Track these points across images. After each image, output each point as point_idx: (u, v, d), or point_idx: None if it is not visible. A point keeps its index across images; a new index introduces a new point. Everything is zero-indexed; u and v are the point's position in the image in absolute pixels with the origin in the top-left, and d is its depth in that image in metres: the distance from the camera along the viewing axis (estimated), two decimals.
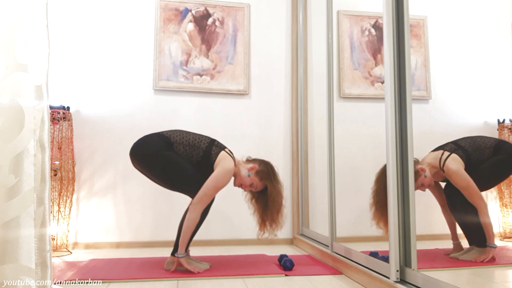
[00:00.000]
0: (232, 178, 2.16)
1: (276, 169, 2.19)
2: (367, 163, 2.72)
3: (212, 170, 2.08)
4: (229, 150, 2.16)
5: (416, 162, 2.06)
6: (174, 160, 2.07)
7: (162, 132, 2.16)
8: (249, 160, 2.21)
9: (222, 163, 2.08)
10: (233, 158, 2.15)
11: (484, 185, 1.96)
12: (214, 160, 2.10)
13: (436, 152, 2.05)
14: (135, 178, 2.87)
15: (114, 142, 2.88)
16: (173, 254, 2.06)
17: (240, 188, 2.20)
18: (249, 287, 1.76)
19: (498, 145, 1.98)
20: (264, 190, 2.16)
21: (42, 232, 1.13)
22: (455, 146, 2.01)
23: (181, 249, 2.00)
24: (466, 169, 1.95)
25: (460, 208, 2.01)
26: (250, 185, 2.14)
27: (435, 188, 2.13)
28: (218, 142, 2.18)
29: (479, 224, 1.94)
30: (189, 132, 2.18)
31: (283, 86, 3.17)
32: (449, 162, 1.97)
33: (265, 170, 2.14)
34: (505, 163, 1.94)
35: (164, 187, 2.18)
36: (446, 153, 1.99)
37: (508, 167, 1.96)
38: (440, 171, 2.02)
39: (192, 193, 2.07)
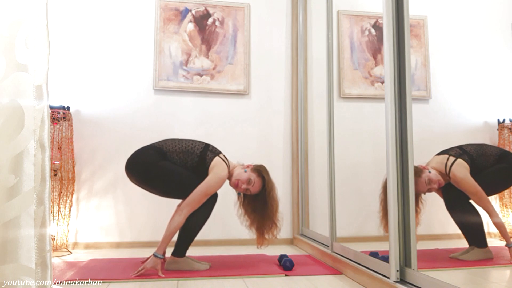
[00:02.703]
0: (227, 181, 2.16)
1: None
2: (367, 163, 2.72)
3: (207, 174, 2.08)
4: (223, 156, 2.15)
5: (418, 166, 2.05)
6: (171, 168, 2.06)
7: (154, 143, 2.15)
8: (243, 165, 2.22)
9: (216, 169, 2.06)
10: (227, 163, 2.13)
11: (486, 191, 1.95)
12: (209, 165, 2.09)
13: (441, 157, 2.03)
14: None
15: (114, 142, 2.88)
16: (173, 254, 2.06)
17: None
18: (249, 287, 1.76)
19: (502, 154, 1.98)
20: (256, 196, 2.14)
21: (42, 232, 1.13)
22: (460, 151, 1.99)
23: (159, 250, 1.98)
24: (471, 173, 1.94)
25: (459, 209, 2.00)
26: (248, 181, 2.08)
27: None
28: (213, 147, 2.17)
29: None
30: (182, 140, 2.17)
31: (283, 86, 3.17)
32: (455, 168, 1.95)
33: (262, 167, 2.16)
34: (508, 172, 1.93)
35: (165, 197, 2.18)
36: (452, 159, 1.98)
37: (510, 177, 1.95)
38: (445, 176, 2.00)
39: (184, 195, 2.07)
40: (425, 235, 2.17)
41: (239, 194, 2.19)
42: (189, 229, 2.04)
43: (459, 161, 1.96)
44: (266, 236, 2.15)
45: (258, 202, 2.15)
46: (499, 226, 1.86)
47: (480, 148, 1.99)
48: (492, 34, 2.16)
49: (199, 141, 2.18)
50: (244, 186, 2.09)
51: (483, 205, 1.89)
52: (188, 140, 2.17)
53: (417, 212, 1.97)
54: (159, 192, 2.14)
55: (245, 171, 2.11)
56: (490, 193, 1.95)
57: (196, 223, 2.05)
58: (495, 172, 1.93)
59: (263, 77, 3.14)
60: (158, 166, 2.05)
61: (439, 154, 2.08)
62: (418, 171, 1.99)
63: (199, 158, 2.10)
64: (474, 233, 1.97)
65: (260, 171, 2.13)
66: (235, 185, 2.12)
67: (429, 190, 2.03)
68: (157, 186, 2.11)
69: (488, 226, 1.97)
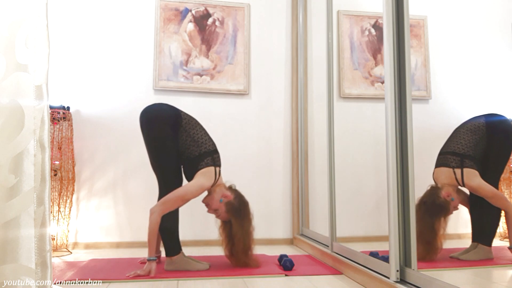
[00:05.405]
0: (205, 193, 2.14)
1: (251, 210, 2.12)
2: (367, 163, 2.72)
3: (194, 174, 2.06)
4: (219, 170, 2.10)
5: (436, 187, 2.02)
6: (168, 144, 2.06)
7: (180, 110, 2.16)
8: (230, 188, 2.14)
9: (201, 177, 2.04)
10: (217, 178, 2.08)
11: (500, 170, 1.95)
12: (200, 169, 2.05)
13: (445, 170, 2.01)
14: (135, 178, 2.87)
15: (114, 142, 2.88)
16: (166, 255, 2.06)
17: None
18: (249, 287, 1.76)
19: (488, 126, 1.97)
20: (231, 223, 2.10)
21: (42, 232, 1.13)
22: (457, 158, 1.97)
23: (149, 252, 1.96)
24: (480, 171, 1.94)
25: (484, 209, 1.97)
26: (215, 210, 2.07)
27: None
28: (218, 157, 2.12)
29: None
30: (203, 128, 2.15)
31: (283, 86, 3.17)
32: (468, 179, 1.94)
33: (236, 206, 2.07)
34: (506, 143, 1.94)
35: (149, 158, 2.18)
36: (458, 171, 1.97)
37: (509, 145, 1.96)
38: (457, 185, 2.00)
39: (160, 180, 2.09)
40: None
41: None
42: (168, 226, 2.03)
43: (467, 170, 1.95)
44: (244, 260, 2.09)
45: (232, 230, 2.09)
46: (511, 226, 1.86)
47: (469, 140, 1.97)
48: (492, 34, 2.16)
49: (213, 143, 2.13)
50: (210, 211, 2.11)
51: (502, 204, 1.90)
52: (206, 134, 2.14)
53: (440, 232, 1.96)
54: (147, 148, 2.13)
55: (220, 201, 2.07)
56: (503, 167, 1.96)
57: (172, 218, 2.04)
58: (498, 152, 1.94)
59: (263, 77, 3.14)
60: (162, 130, 2.06)
61: (438, 166, 2.05)
62: (446, 203, 1.97)
63: (199, 155, 2.07)
64: (486, 228, 1.96)
65: (230, 209, 2.06)
66: (206, 204, 2.11)
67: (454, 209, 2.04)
68: (148, 143, 2.11)
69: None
